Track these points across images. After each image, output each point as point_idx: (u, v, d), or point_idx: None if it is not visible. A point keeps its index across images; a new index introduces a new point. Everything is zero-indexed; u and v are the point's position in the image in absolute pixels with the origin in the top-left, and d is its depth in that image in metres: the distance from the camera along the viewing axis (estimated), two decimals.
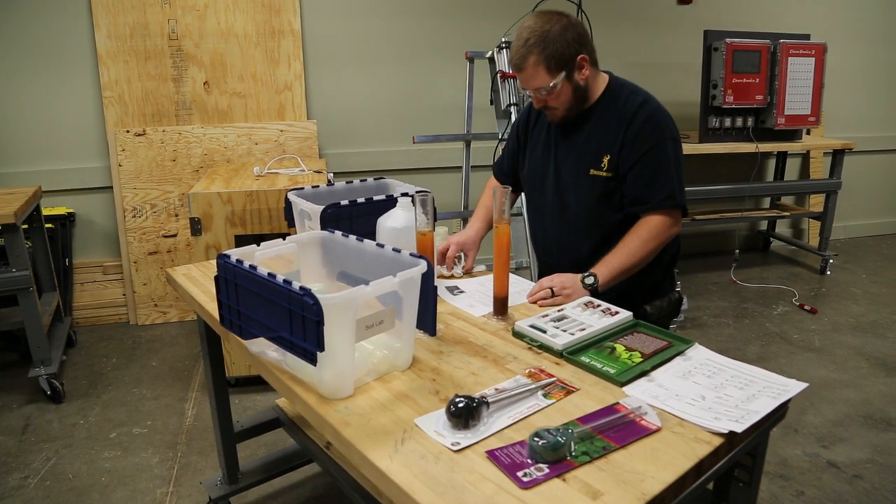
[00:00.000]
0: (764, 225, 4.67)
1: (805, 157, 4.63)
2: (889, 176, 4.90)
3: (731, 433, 0.94)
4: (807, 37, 3.85)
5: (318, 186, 1.70)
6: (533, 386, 1.08)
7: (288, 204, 1.65)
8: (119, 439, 2.32)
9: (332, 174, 2.98)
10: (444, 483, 0.85)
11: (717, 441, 0.93)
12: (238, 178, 2.76)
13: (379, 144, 3.71)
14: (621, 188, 1.62)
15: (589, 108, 1.65)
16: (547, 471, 0.87)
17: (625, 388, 1.09)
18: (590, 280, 1.50)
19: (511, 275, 1.48)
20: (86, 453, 2.24)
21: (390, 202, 1.56)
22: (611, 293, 1.50)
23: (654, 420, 0.98)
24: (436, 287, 1.24)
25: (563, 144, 1.70)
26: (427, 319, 1.25)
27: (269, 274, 1.07)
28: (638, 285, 1.63)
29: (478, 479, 0.86)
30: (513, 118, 3.02)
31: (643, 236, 1.57)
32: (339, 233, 1.32)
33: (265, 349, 1.22)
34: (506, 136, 3.06)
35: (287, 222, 1.68)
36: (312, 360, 1.02)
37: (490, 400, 1.01)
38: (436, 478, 0.86)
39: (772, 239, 4.64)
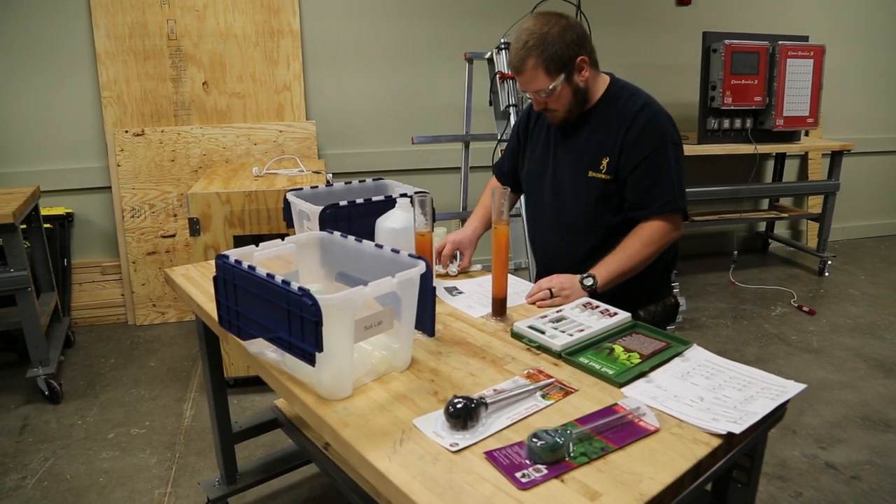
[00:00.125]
0: (762, 226, 4.68)
1: (803, 159, 4.64)
2: (887, 177, 4.90)
3: (730, 434, 0.94)
4: (805, 38, 3.85)
5: (316, 187, 1.69)
6: (531, 387, 1.08)
7: (287, 204, 1.64)
8: (117, 440, 2.32)
9: (330, 175, 2.98)
10: (443, 484, 0.85)
11: (716, 442, 0.93)
12: (237, 178, 2.76)
13: (378, 145, 3.71)
14: (620, 191, 1.61)
15: (589, 109, 1.65)
16: (545, 472, 0.87)
17: (623, 389, 1.09)
18: (588, 281, 1.50)
19: (510, 276, 1.48)
20: (84, 454, 2.24)
21: (389, 203, 1.56)
22: (605, 297, 1.49)
23: (653, 421, 0.98)
24: (434, 288, 1.24)
25: (562, 146, 1.70)
26: (426, 320, 1.25)
27: (268, 274, 1.07)
28: (633, 289, 1.62)
29: (476, 480, 0.86)
30: (512, 119, 3.02)
31: (643, 239, 1.56)
32: (337, 233, 1.32)
33: (264, 350, 1.22)
34: (504, 137, 3.06)
35: (286, 223, 1.68)
36: (311, 361, 1.02)
37: (488, 401, 1.01)
38: (434, 478, 0.86)
39: (770, 240, 4.65)
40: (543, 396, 1.07)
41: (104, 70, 3.20)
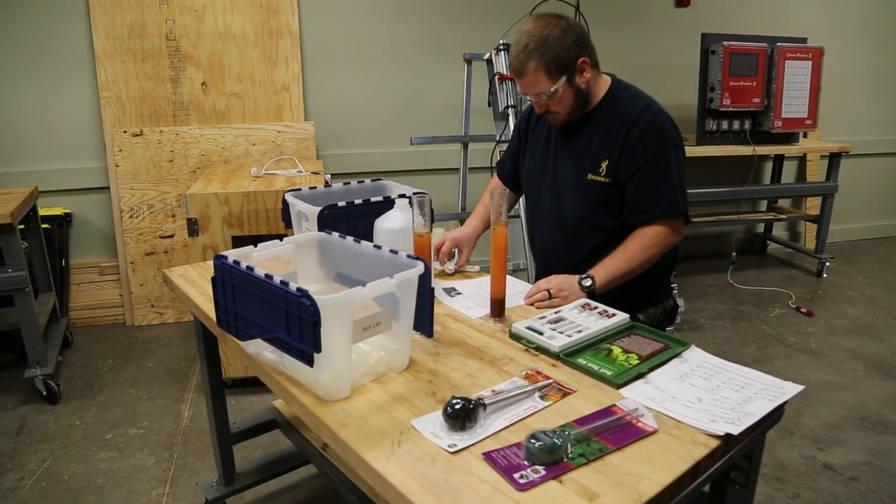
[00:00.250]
0: (761, 228, 4.68)
1: (802, 160, 4.65)
2: (885, 179, 4.91)
3: (728, 435, 0.94)
4: (804, 40, 3.86)
5: (315, 188, 1.69)
6: (530, 388, 1.08)
7: (285, 205, 1.64)
8: (115, 440, 2.32)
9: (329, 175, 2.98)
10: (441, 485, 0.85)
11: (714, 443, 0.93)
12: (235, 178, 2.76)
13: (376, 146, 3.71)
14: (620, 195, 1.60)
15: (590, 111, 1.64)
16: (543, 473, 0.87)
17: (621, 391, 1.09)
18: (587, 282, 1.50)
19: (508, 276, 1.48)
20: (82, 454, 2.23)
21: (388, 204, 1.56)
22: (604, 299, 1.49)
23: (651, 422, 0.98)
24: (433, 289, 1.24)
25: (562, 147, 1.70)
26: (424, 321, 1.25)
27: (267, 275, 1.07)
28: (632, 292, 1.61)
29: (474, 481, 0.86)
30: (510, 120, 3.02)
31: (644, 243, 1.55)
32: (336, 234, 1.32)
33: (262, 350, 1.22)
34: (503, 138, 3.06)
35: (284, 223, 1.68)
36: (309, 362, 1.02)
37: (487, 402, 1.01)
38: (432, 479, 0.86)
39: (768, 242, 4.65)
40: (542, 397, 1.07)
41: (103, 70, 3.20)
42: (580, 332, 1.27)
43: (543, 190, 1.74)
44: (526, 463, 0.89)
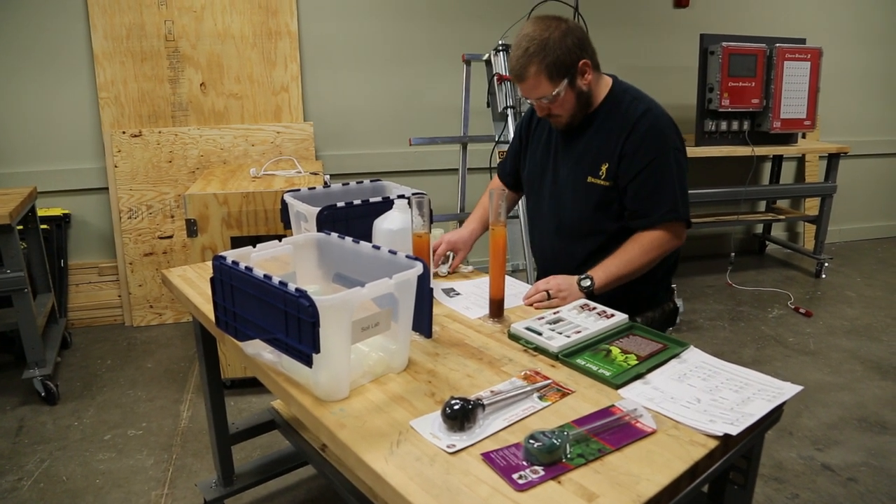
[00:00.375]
0: (759, 228, 4.69)
1: (801, 161, 4.65)
2: (884, 179, 4.92)
3: (727, 436, 0.94)
4: (803, 41, 3.86)
5: (314, 188, 1.69)
6: (528, 388, 1.08)
7: (284, 206, 1.64)
8: (114, 441, 2.31)
9: (328, 176, 2.98)
10: (440, 485, 0.85)
11: (713, 444, 0.93)
12: (234, 179, 2.75)
13: (375, 146, 3.71)
14: (620, 198, 1.60)
15: (592, 112, 1.63)
16: (542, 473, 0.87)
17: (620, 391, 1.09)
18: (586, 283, 1.50)
19: (507, 277, 1.48)
20: (80, 455, 2.23)
21: (387, 204, 1.56)
22: (604, 300, 1.49)
23: (650, 422, 0.98)
24: (432, 289, 1.24)
25: (563, 149, 1.69)
26: (423, 321, 1.25)
27: (265, 276, 1.07)
28: (632, 294, 1.61)
29: (473, 482, 0.86)
30: (509, 120, 3.02)
31: (644, 246, 1.55)
32: (335, 235, 1.32)
33: (261, 351, 1.22)
34: (502, 138, 3.06)
35: (283, 224, 1.68)
36: (308, 362, 1.02)
37: (485, 402, 1.01)
38: (431, 480, 0.86)
39: (767, 242, 4.66)
40: (540, 398, 1.07)
41: (101, 71, 3.20)
42: (579, 332, 1.27)
43: (543, 192, 1.74)
44: (525, 463, 0.89)
